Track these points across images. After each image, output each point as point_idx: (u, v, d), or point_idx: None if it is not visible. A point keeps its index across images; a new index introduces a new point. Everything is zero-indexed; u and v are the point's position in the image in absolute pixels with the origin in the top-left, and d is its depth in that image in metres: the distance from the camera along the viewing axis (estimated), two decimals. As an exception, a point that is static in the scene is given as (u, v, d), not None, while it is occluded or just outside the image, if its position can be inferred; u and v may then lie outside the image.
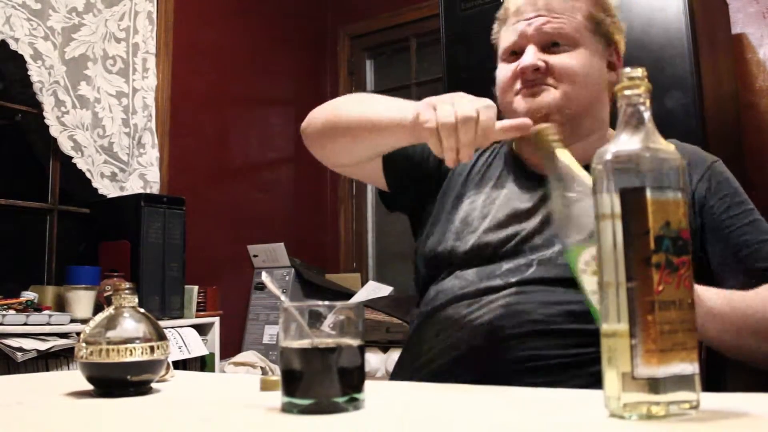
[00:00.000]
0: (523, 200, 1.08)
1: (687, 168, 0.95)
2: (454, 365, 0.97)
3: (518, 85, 1.07)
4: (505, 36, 1.12)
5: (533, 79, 1.05)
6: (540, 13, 1.06)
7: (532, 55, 1.05)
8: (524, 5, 1.08)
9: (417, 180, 1.21)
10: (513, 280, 0.99)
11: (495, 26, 1.16)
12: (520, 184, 1.11)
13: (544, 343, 0.93)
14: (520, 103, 1.07)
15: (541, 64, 1.04)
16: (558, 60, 1.05)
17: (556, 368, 0.92)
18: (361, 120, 1.09)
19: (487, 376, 0.88)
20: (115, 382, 0.81)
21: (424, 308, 1.07)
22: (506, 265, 1.01)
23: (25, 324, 2.02)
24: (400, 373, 1.07)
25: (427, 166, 1.21)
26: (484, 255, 1.04)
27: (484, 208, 1.10)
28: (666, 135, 0.61)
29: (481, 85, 1.23)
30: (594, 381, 0.78)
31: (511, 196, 1.10)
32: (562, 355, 0.93)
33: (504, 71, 1.11)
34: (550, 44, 1.06)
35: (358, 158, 1.17)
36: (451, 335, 0.99)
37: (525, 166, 1.14)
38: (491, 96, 1.07)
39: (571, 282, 0.76)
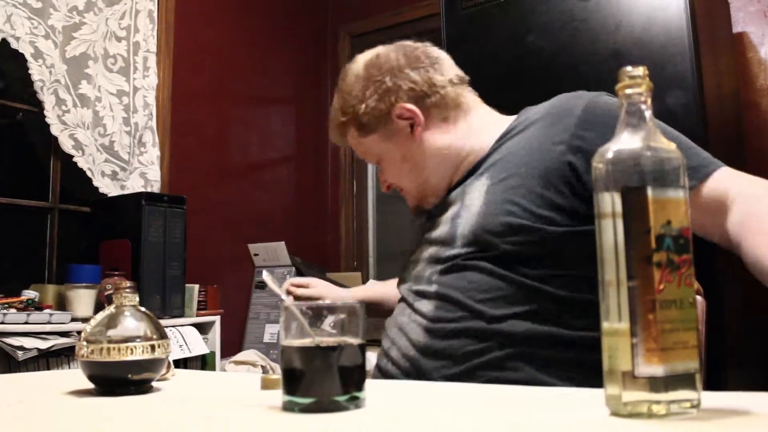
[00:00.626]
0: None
1: (550, 127, 1.04)
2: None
3: None
4: None
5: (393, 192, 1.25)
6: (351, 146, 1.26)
7: (381, 183, 1.26)
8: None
9: None
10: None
11: None
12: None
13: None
14: None
15: (387, 185, 1.25)
16: (384, 176, 1.24)
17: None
18: None
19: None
20: (116, 380, 0.81)
21: None
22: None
23: (26, 323, 2.03)
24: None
25: None
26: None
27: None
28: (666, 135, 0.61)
29: (481, 84, 1.23)
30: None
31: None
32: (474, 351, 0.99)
33: None
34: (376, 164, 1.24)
35: None
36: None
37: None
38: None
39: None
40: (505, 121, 1.16)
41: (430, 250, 1.12)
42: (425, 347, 1.02)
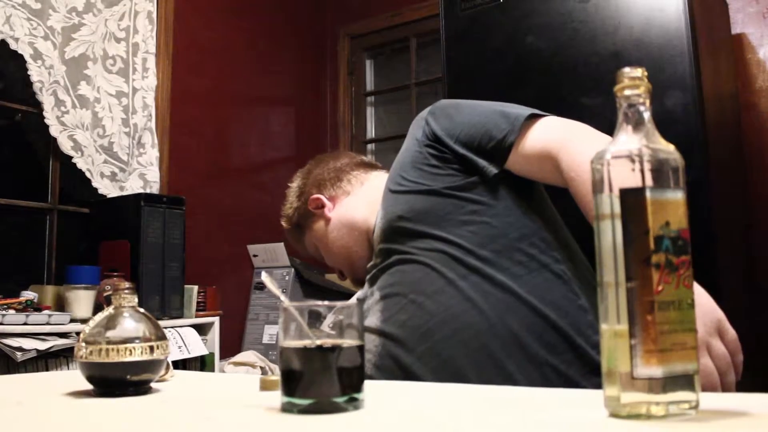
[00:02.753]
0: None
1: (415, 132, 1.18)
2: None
3: None
4: None
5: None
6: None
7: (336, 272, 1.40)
8: None
9: None
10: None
11: None
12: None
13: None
14: None
15: (338, 273, 1.39)
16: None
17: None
18: None
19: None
20: (115, 381, 0.81)
21: None
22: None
23: (25, 324, 2.02)
24: None
25: None
26: None
27: None
28: (665, 135, 0.61)
29: (481, 85, 1.24)
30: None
31: None
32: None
33: None
34: None
35: None
36: None
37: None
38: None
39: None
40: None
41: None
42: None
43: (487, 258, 1.03)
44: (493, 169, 1.07)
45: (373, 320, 1.12)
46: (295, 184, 1.43)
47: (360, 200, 1.31)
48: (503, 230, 1.05)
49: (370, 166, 1.38)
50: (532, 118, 1.07)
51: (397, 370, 1.04)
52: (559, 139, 1.02)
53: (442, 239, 1.06)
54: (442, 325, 1.02)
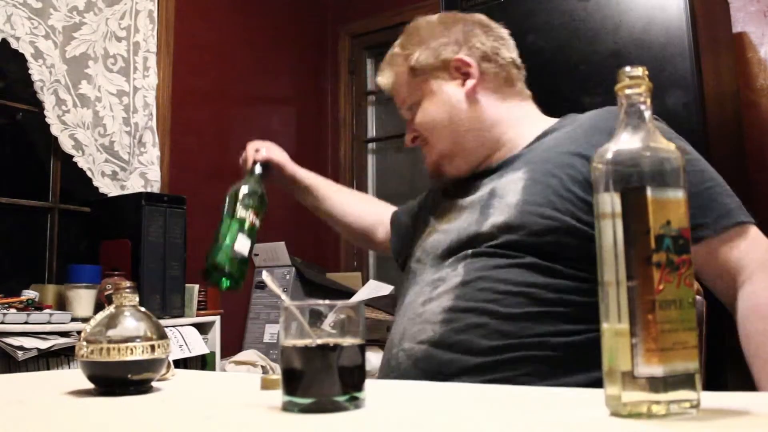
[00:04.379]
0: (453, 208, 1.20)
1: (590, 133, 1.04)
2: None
3: None
4: None
5: (419, 146, 1.22)
6: (392, 94, 1.24)
7: (407, 135, 1.23)
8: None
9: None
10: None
11: None
12: (447, 196, 1.22)
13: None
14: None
15: (412, 137, 1.21)
16: (417, 121, 1.19)
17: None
18: None
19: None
20: (116, 380, 0.81)
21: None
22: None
23: (26, 323, 2.02)
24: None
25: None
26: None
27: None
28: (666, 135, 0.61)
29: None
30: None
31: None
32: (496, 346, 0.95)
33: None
34: (410, 108, 1.21)
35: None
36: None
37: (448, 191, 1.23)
38: None
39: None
40: (546, 122, 1.17)
41: (451, 236, 1.08)
42: (440, 339, 0.98)
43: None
44: None
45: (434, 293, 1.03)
46: (447, 24, 1.19)
47: (504, 113, 1.16)
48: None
49: (523, 78, 1.23)
50: (739, 225, 0.96)
51: (429, 360, 0.99)
52: (756, 264, 0.92)
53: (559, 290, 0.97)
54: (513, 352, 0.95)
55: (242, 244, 1.18)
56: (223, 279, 1.16)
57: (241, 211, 1.20)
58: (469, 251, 1.04)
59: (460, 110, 1.15)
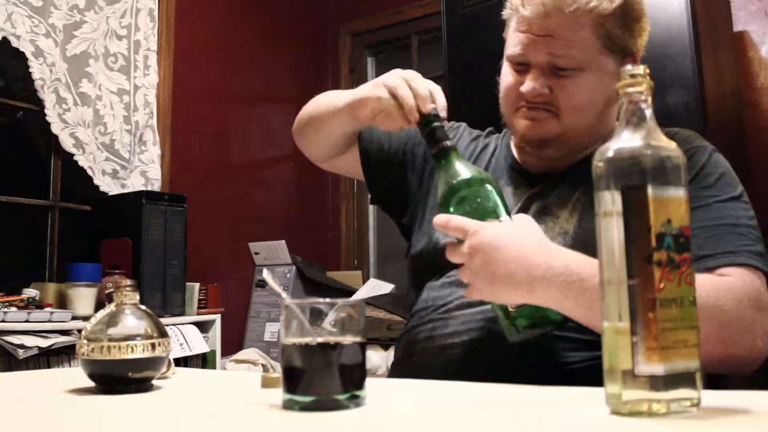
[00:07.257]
0: (511, 200, 1.05)
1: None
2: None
3: (521, 102, 1.02)
4: (512, 38, 1.03)
5: (536, 103, 1.01)
6: (549, 32, 0.97)
7: (534, 82, 0.99)
8: (532, 16, 0.97)
9: (391, 169, 1.22)
10: None
11: (507, 6, 1.06)
12: (512, 183, 1.09)
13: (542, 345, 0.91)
14: (520, 122, 1.03)
15: (545, 91, 0.99)
16: (562, 88, 0.99)
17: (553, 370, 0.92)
18: (320, 107, 1.20)
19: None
20: (117, 379, 0.81)
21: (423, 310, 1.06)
22: None
23: (27, 321, 2.03)
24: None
25: (404, 158, 1.22)
26: None
27: None
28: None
29: (483, 82, 1.23)
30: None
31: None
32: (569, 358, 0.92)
33: (507, 78, 1.05)
34: (556, 67, 0.99)
35: (323, 147, 1.28)
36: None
37: (520, 166, 1.11)
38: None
39: None
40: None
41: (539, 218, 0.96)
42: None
43: None
44: None
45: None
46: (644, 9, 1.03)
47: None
48: None
49: None
50: (751, 267, 0.88)
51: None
52: (744, 296, 0.84)
53: None
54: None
55: None
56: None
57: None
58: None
59: (602, 108, 1.02)
